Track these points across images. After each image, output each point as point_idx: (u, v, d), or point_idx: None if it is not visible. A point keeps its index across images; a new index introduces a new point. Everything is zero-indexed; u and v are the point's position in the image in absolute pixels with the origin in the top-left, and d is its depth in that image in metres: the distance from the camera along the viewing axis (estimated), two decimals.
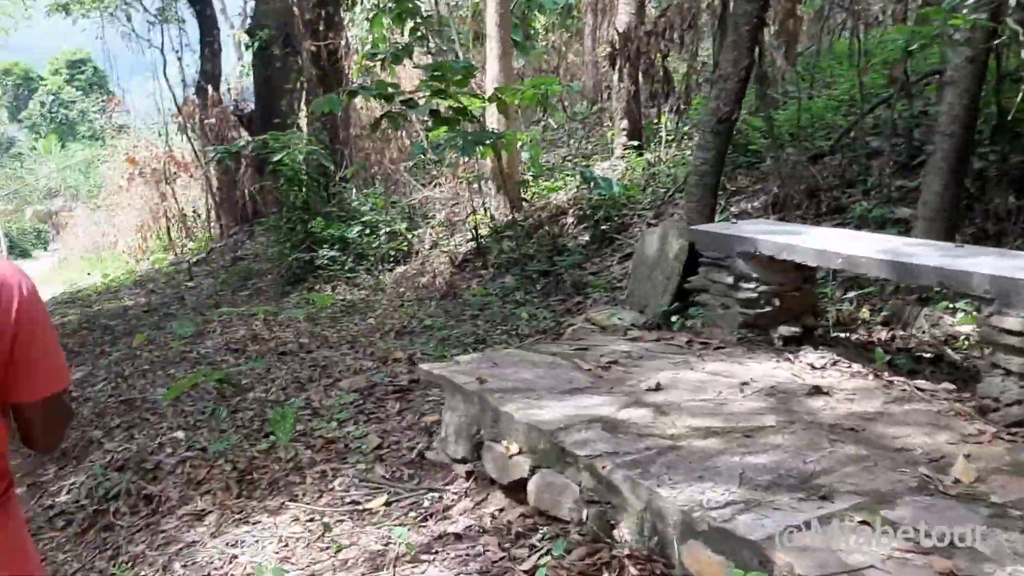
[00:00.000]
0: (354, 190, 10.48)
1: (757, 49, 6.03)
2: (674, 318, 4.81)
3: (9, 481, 1.59)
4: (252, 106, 15.28)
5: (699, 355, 3.89)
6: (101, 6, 19.26)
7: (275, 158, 9.72)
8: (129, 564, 3.30)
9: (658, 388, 3.36)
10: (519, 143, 8.31)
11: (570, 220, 7.76)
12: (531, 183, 8.75)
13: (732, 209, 6.46)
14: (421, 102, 6.59)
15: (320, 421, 4.48)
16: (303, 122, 13.48)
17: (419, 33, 11.85)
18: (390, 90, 6.37)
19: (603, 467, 2.67)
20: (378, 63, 12.13)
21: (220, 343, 7.53)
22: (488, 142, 6.29)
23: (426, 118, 7.62)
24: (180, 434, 4.88)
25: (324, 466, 3.75)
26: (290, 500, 3.48)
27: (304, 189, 10.12)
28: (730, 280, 4.11)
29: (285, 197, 10.32)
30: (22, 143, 44.84)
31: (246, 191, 15.18)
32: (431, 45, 12.54)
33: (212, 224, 17.58)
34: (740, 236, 4.10)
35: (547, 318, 5.79)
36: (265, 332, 7.62)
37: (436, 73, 6.13)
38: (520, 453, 3.01)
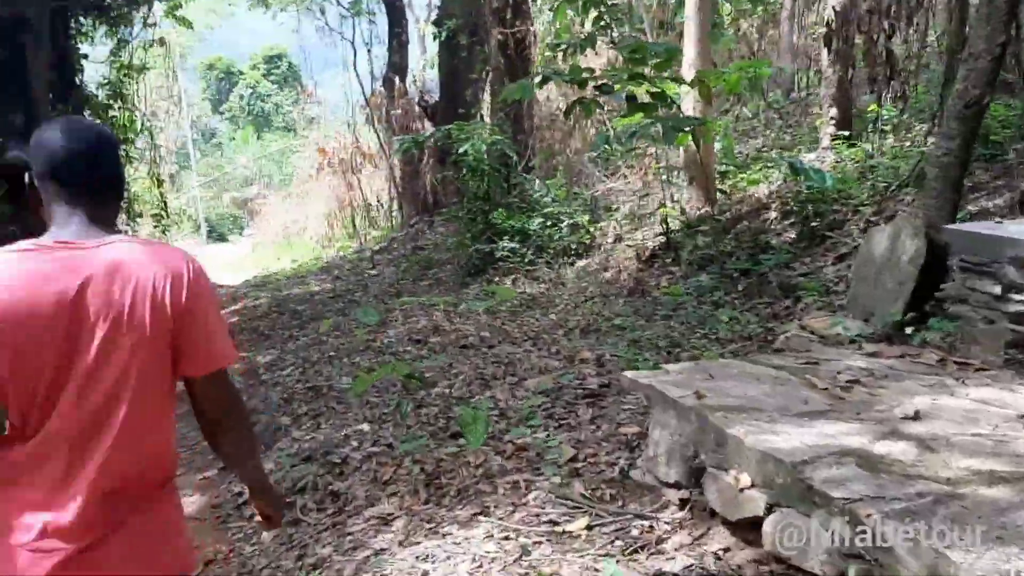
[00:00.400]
0: (536, 181, 10.24)
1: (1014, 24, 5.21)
2: (909, 330, 4.17)
3: (174, 466, 1.72)
4: (436, 97, 15.46)
5: (958, 378, 3.27)
6: (297, 1, 20.14)
7: (459, 148, 9.65)
8: (316, 569, 3.12)
9: (917, 417, 2.80)
10: (716, 132, 7.73)
11: (773, 215, 7.12)
12: (728, 175, 8.14)
13: (970, 207, 5.64)
14: (616, 88, 6.19)
15: (507, 423, 4.20)
16: (486, 112, 13.45)
17: (603, 22, 11.47)
18: (584, 75, 6.01)
19: (867, 515, 2.18)
20: (560, 53, 11.88)
21: (402, 333, 7.47)
22: (689, 128, 5.80)
23: (612, 106, 7.19)
24: (365, 427, 4.76)
25: (516, 476, 3.45)
26: (481, 512, 3.20)
27: (486, 179, 9.99)
28: (997, 290, 3.45)
29: (466, 187, 10.23)
30: (223, 133, 48.21)
31: (427, 182, 15.38)
32: (615, 35, 12.14)
33: (394, 214, 17.99)
34: (1013, 239, 3.43)
35: (752, 322, 5.25)
36: (446, 324, 7.50)
37: (635, 55, 5.72)
38: (753, 487, 2.56)
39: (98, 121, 2.37)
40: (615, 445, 3.61)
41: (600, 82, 6.15)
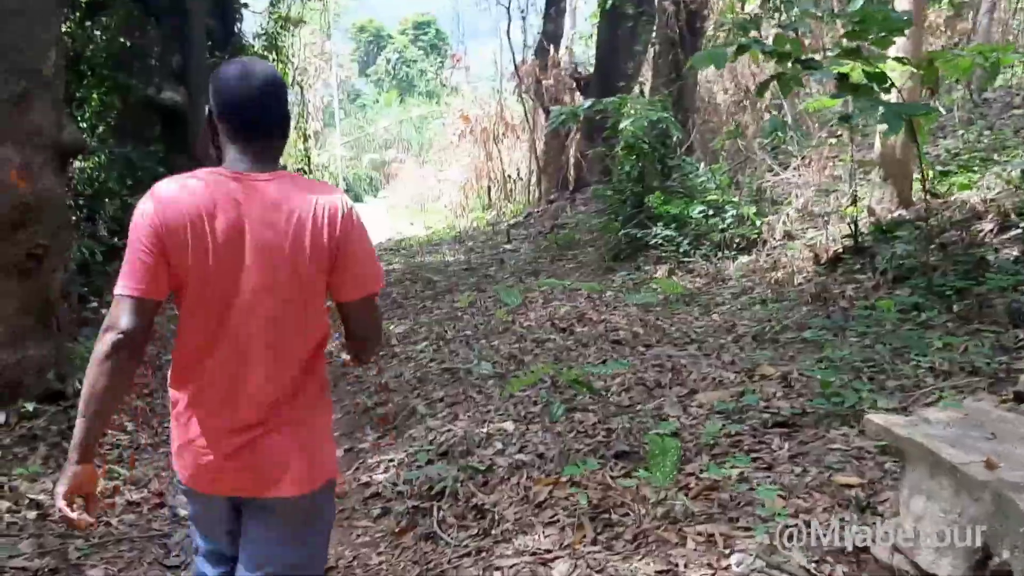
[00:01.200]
0: (701, 165, 9.40)
1: None
2: None
3: (325, 380, 1.90)
4: (590, 69, 14.72)
5: None
6: None
7: (619, 124, 8.91)
8: None
9: None
10: (929, 125, 6.71)
11: (988, 227, 6.08)
12: (934, 176, 7.10)
13: None
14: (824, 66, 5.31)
15: (687, 450, 3.50)
16: (644, 88, 12.62)
17: (771, 4, 10.45)
18: (788, 48, 5.17)
19: None
20: (723, 34, 10.95)
21: (543, 317, 6.88)
22: (918, 114, 4.87)
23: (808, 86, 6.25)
24: (509, 425, 4.17)
25: (709, 526, 2.76)
26: (668, 571, 2.53)
27: (643, 159, 9.23)
28: None
29: (620, 166, 9.50)
30: (367, 96, 48.91)
31: (572, 157, 14.70)
32: (782, 17, 11.08)
33: (531, 188, 17.44)
34: None
35: (977, 353, 4.33)
36: (591, 312, 6.85)
37: (860, 27, 4.83)
38: None
39: (271, 63, 2.29)
40: (835, 501, 2.86)
41: (806, 56, 5.28)
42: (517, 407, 4.45)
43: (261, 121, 1.78)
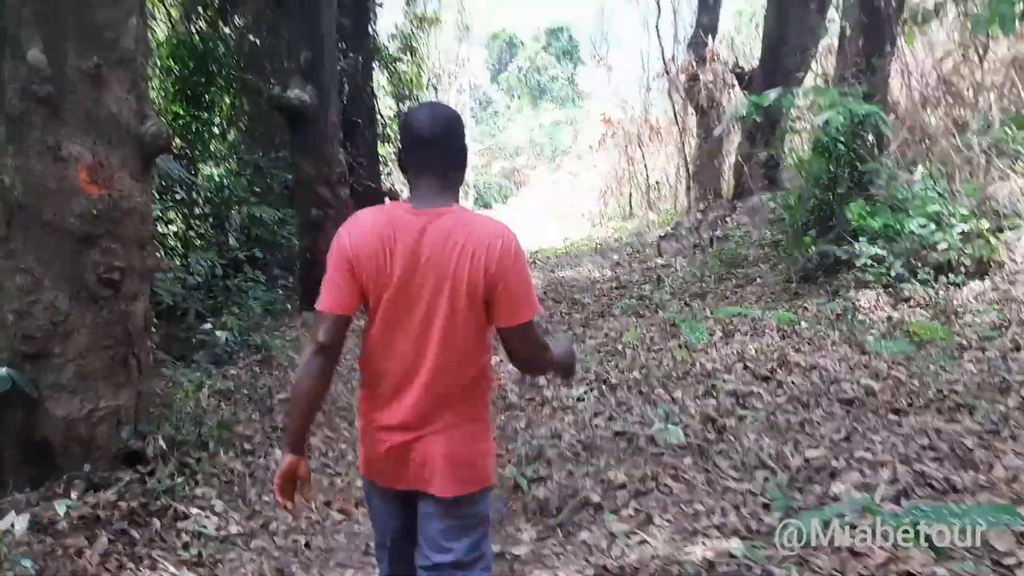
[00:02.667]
0: (918, 170, 7.74)
1: None
2: None
3: (487, 395, 2.12)
4: (753, 64, 13.12)
5: None
6: None
7: (789, 124, 7.40)
8: None
9: None
10: None
11: None
12: None
13: None
14: None
15: None
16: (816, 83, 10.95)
17: None
18: None
19: None
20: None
21: (731, 357, 5.49)
22: None
23: None
24: (736, 546, 2.84)
25: None
26: None
27: (838, 162, 7.67)
28: None
29: (804, 170, 7.96)
30: (498, 104, 48.36)
31: (729, 161, 13.13)
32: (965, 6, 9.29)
33: (678, 196, 15.95)
34: None
35: None
36: (792, 352, 5.41)
37: None
38: None
39: (448, 106, 2.16)
40: None
41: None
42: (739, 507, 3.12)
43: (439, 162, 2.00)
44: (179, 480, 3.67)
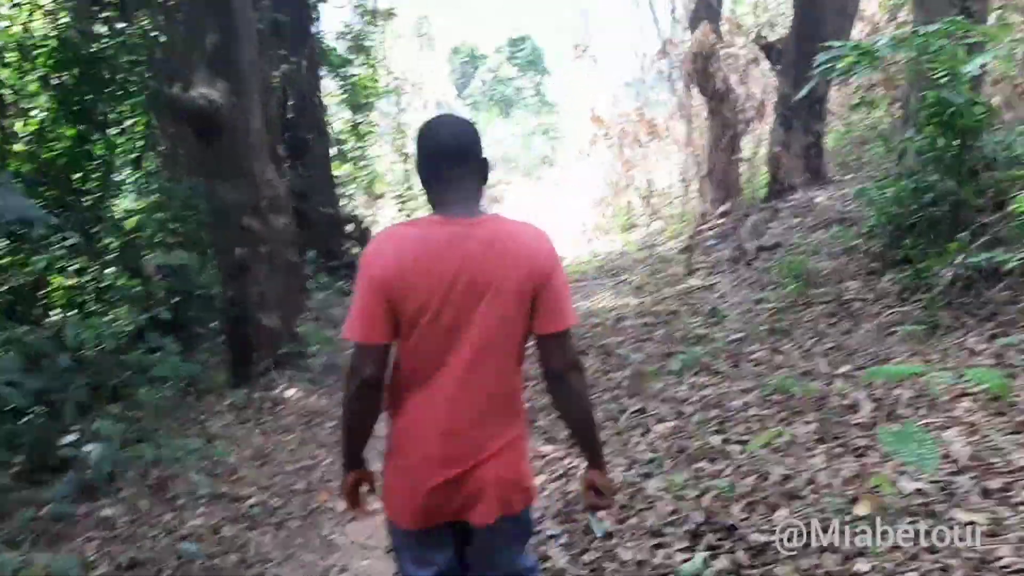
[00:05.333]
0: None
1: None
2: None
3: (524, 408, 2.09)
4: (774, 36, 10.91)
5: None
6: None
7: (969, 65, 5.08)
8: None
9: None
10: None
11: None
12: None
13: None
14: None
15: None
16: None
17: None
18: None
19: None
20: None
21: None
22: None
23: None
24: None
25: None
26: None
27: (964, 134, 5.39)
28: None
29: (926, 149, 5.66)
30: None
31: (781, 146, 10.82)
32: None
33: (687, 200, 13.70)
34: None
35: None
36: (983, 452, 3.09)
37: None
38: None
39: (462, 116, 2.17)
40: None
41: None
42: None
43: (458, 172, 1.93)
44: None
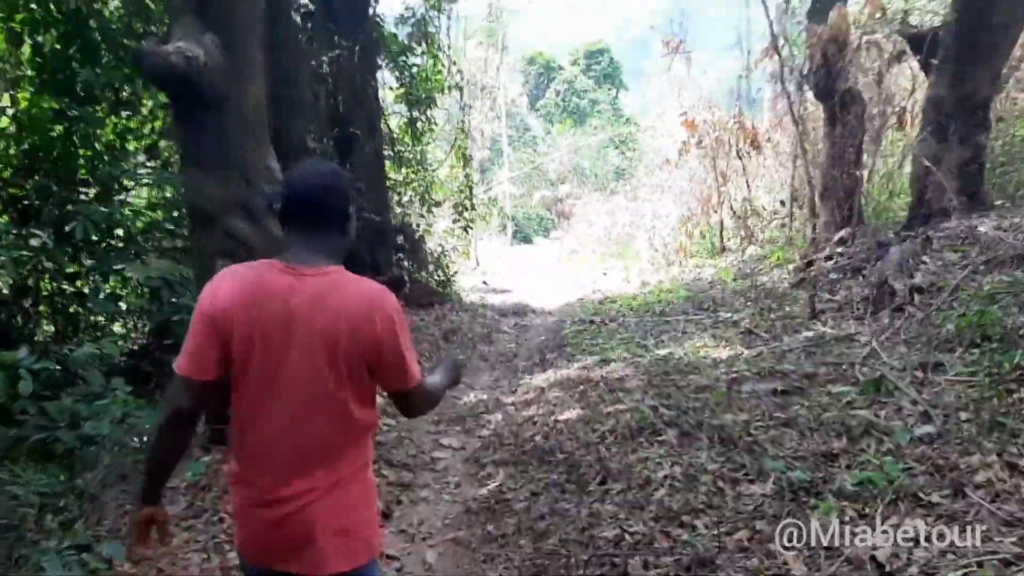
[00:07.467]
0: None
1: None
2: None
3: (367, 460, 1.98)
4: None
5: None
6: None
7: None
8: None
9: None
10: None
11: None
12: None
13: None
14: None
15: None
16: None
17: None
18: None
19: None
20: None
21: None
22: None
23: None
24: None
25: None
26: None
27: None
28: None
29: None
30: (536, 130, 44.61)
31: (932, 161, 8.75)
32: None
33: (795, 221, 11.60)
34: None
35: None
36: None
37: None
38: None
39: (333, 166, 2.04)
40: None
41: None
42: None
43: (312, 221, 1.89)
44: None
